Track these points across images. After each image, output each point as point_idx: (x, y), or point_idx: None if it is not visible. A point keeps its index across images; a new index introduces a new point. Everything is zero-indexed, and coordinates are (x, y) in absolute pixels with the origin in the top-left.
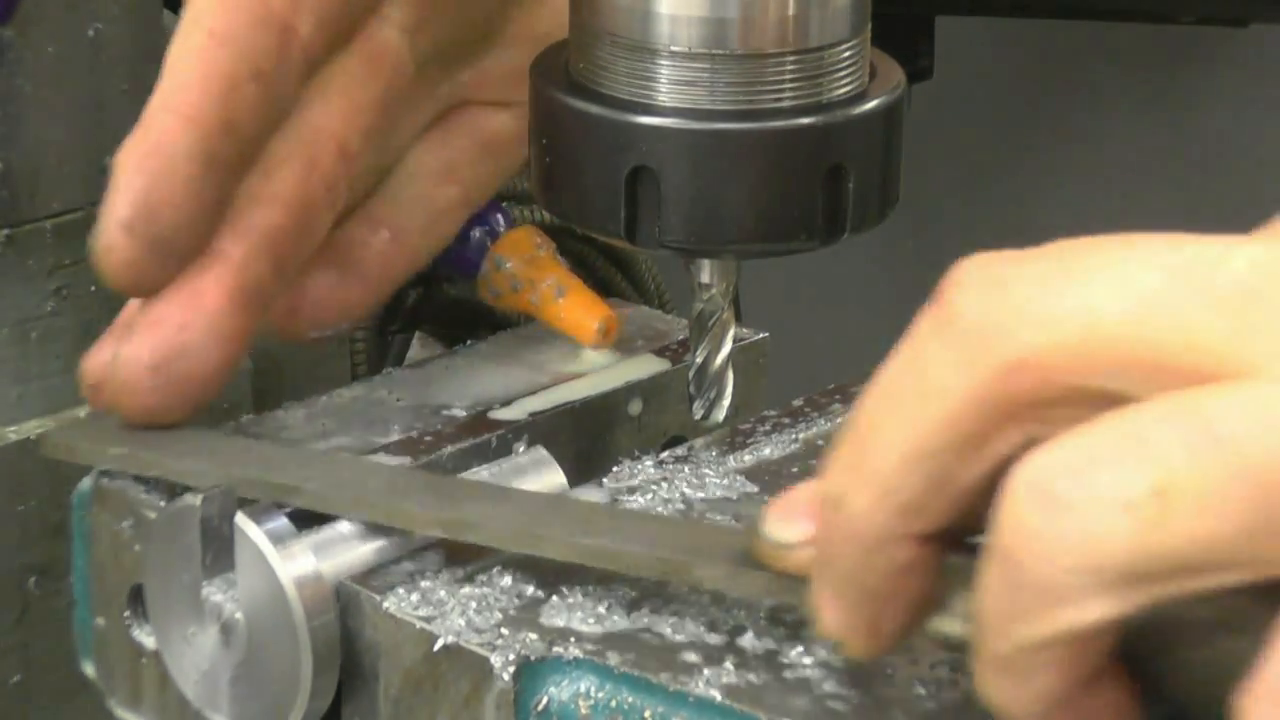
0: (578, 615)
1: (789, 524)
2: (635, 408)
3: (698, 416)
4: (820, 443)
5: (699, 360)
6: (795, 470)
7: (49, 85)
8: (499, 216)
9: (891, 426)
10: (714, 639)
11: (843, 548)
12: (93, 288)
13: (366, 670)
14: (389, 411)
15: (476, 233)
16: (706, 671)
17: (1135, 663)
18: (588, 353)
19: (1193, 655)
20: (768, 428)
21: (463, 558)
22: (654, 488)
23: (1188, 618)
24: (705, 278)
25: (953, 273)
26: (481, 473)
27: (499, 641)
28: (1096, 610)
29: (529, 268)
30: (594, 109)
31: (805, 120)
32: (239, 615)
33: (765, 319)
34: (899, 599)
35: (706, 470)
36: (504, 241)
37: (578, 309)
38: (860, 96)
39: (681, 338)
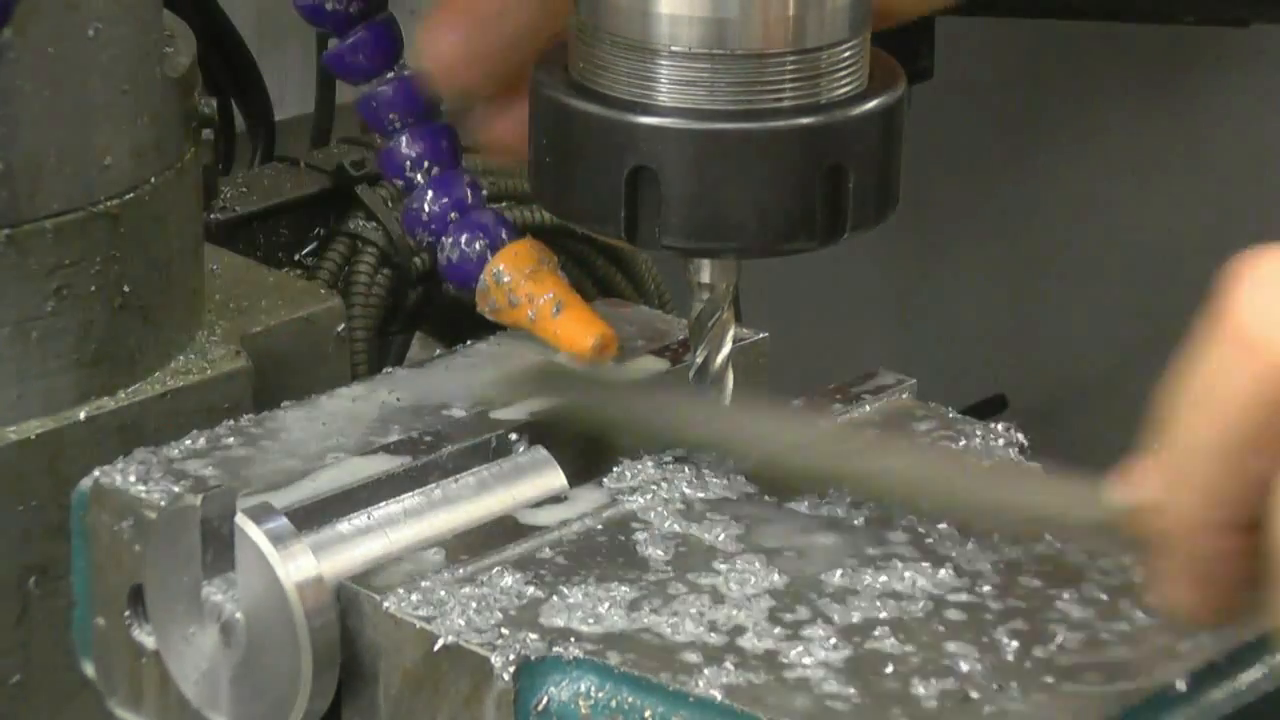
0: (578, 615)
1: (1131, 491)
2: None
3: None
4: None
5: (699, 360)
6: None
7: (49, 85)
8: (500, 227)
9: (1192, 432)
10: (714, 639)
11: (1174, 544)
12: (93, 288)
13: (366, 670)
14: (389, 411)
15: (476, 245)
16: (706, 671)
17: None
18: None
19: None
20: None
21: (462, 558)
22: (654, 488)
23: None
24: (705, 278)
25: (1231, 271)
26: (482, 473)
27: (499, 641)
28: None
29: (528, 282)
30: (594, 109)
31: (805, 120)
32: (239, 615)
33: (765, 319)
34: (1230, 579)
35: (706, 470)
36: (504, 254)
37: (575, 326)
38: (860, 96)
39: (681, 338)
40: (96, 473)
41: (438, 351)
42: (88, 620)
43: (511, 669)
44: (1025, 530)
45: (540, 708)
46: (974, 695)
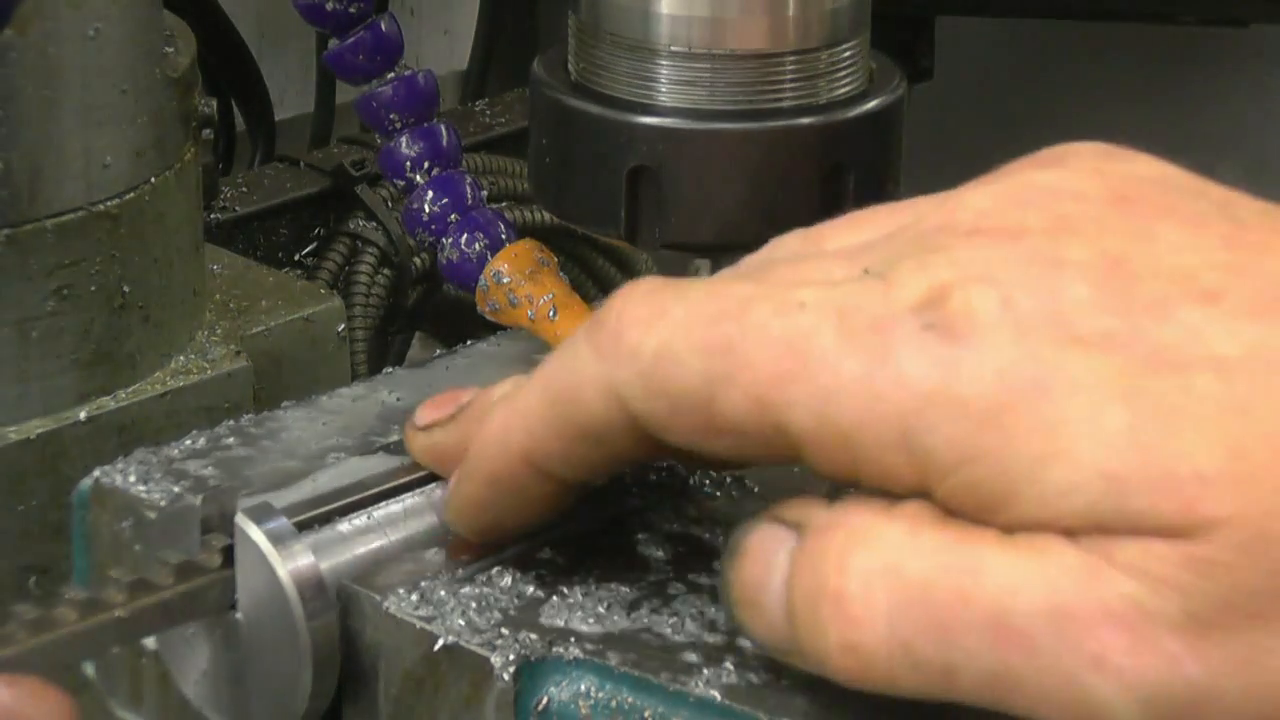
0: (578, 615)
1: (428, 413)
2: None
3: None
4: None
5: None
6: (795, 470)
7: (49, 85)
8: (500, 227)
9: (541, 376)
10: (714, 639)
11: (479, 448)
12: (93, 288)
13: (366, 670)
14: (389, 411)
15: (477, 245)
16: (706, 671)
17: None
18: None
19: None
20: None
21: (463, 558)
22: (654, 488)
23: None
24: (705, 278)
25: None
26: None
27: (499, 641)
28: None
29: (528, 283)
30: (594, 109)
31: (805, 120)
32: (239, 615)
33: None
34: (509, 509)
35: (707, 470)
36: (504, 254)
37: (574, 327)
38: (860, 96)
39: None
40: (96, 473)
41: (438, 351)
42: None
43: (511, 669)
44: None
45: (540, 708)
46: None
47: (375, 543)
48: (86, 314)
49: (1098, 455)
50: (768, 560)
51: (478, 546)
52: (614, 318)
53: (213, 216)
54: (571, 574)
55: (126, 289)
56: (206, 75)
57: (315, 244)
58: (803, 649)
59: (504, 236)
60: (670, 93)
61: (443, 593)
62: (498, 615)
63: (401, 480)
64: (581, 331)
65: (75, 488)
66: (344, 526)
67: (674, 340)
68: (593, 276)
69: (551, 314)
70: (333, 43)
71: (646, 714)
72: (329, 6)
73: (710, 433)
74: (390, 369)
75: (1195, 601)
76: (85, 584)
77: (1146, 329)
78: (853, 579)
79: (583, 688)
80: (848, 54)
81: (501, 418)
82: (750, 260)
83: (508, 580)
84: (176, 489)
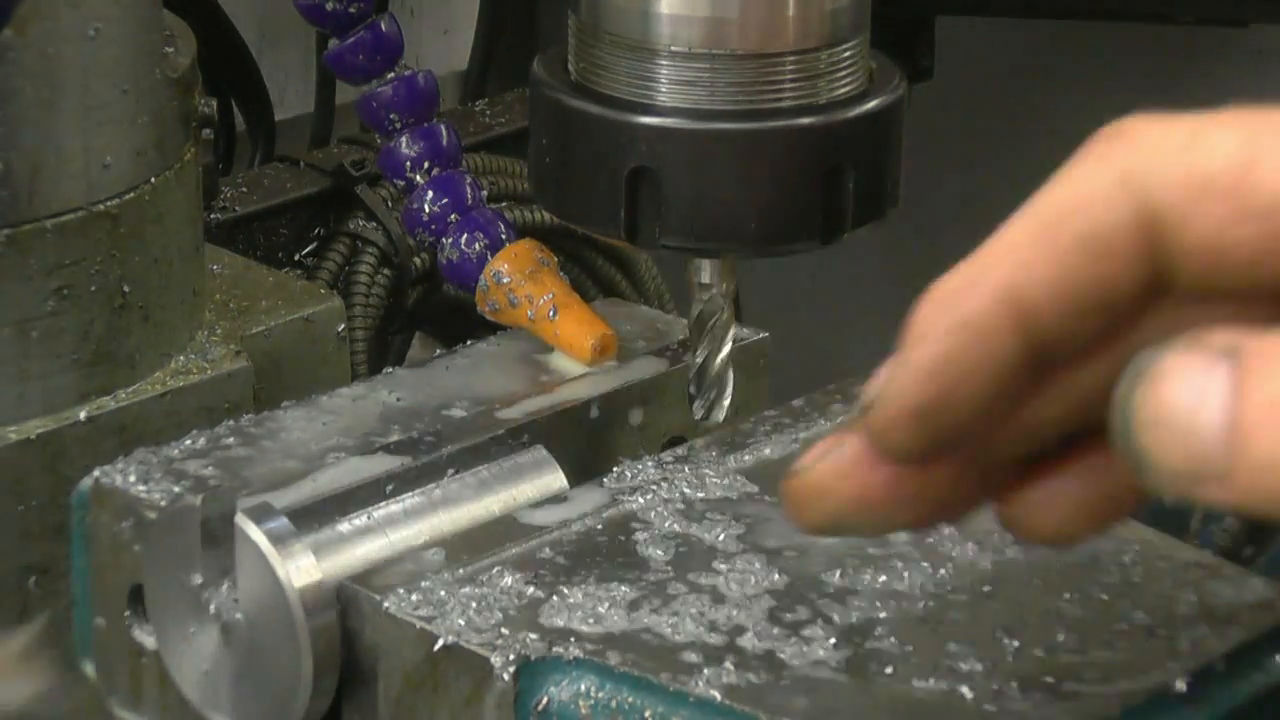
0: (578, 615)
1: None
2: (636, 418)
3: (698, 416)
4: None
5: (699, 360)
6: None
7: (49, 85)
8: (502, 226)
9: (1028, 208)
10: (714, 639)
11: (945, 293)
12: (93, 288)
13: (366, 670)
14: (389, 411)
15: (477, 245)
16: (706, 671)
17: None
18: None
19: None
20: (768, 428)
21: (463, 558)
22: (654, 488)
23: None
24: (705, 278)
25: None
26: (482, 472)
27: (499, 641)
28: None
29: (528, 283)
30: (594, 109)
31: (805, 120)
32: (239, 615)
33: (765, 319)
34: (967, 374)
35: (706, 470)
36: (504, 254)
37: (574, 327)
38: (860, 97)
39: (681, 338)
40: (96, 473)
41: (438, 351)
42: (88, 620)
43: (511, 669)
44: None
45: (540, 708)
46: (972, 695)
47: (375, 543)
48: (86, 314)
49: None
50: (1196, 379)
51: (477, 545)
52: (1118, 130)
53: (213, 216)
54: (571, 574)
55: (126, 289)
56: (206, 75)
57: (315, 244)
58: (1244, 467)
59: (504, 236)
60: (670, 93)
61: (443, 593)
62: (498, 615)
63: (401, 480)
64: (1073, 163)
65: (75, 488)
66: (344, 526)
67: (1203, 126)
68: (593, 276)
69: (551, 314)
70: (333, 43)
71: (646, 714)
72: (329, 6)
73: (1240, 217)
74: (390, 369)
75: None
76: (85, 584)
77: None
78: None
79: (583, 688)
80: (848, 54)
81: (977, 257)
82: None
83: (508, 580)
84: (176, 489)
